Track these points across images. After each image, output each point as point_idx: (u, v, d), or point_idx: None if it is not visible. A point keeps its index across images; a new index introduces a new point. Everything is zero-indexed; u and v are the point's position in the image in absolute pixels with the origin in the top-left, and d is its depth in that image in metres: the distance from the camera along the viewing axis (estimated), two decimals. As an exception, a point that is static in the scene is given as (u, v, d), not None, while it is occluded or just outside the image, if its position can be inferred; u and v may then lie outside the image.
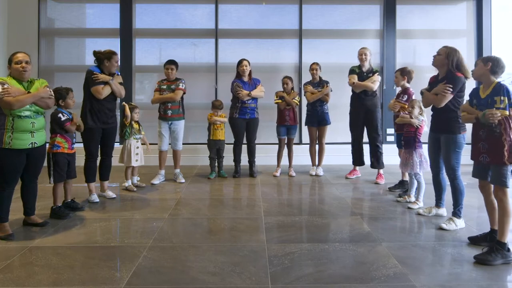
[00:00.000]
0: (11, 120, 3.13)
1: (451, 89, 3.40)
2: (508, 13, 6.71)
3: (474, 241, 3.11)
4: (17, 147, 3.16)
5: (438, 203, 3.79)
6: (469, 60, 6.75)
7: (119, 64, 4.32)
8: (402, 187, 4.69)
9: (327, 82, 5.65)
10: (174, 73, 5.25)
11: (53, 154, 3.71)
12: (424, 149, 4.05)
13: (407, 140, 4.11)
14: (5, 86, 3.07)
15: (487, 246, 2.92)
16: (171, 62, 5.27)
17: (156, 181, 5.23)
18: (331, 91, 5.64)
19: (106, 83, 4.20)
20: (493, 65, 2.91)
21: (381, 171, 5.32)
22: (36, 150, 3.30)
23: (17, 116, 3.14)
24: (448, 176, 3.53)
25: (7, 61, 3.28)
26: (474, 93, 3.05)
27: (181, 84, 5.20)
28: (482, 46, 6.64)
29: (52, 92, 3.43)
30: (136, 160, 4.80)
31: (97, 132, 4.22)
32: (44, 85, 3.34)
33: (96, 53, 4.27)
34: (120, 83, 4.36)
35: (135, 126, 4.80)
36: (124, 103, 4.78)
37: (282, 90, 5.71)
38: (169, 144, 5.32)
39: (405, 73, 4.64)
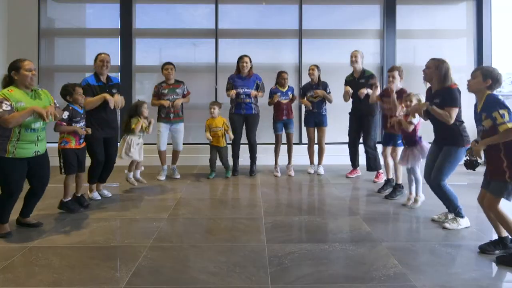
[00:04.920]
0: (17, 133, 3.12)
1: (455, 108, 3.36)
2: (508, 13, 6.71)
3: (485, 250, 2.95)
4: (21, 156, 3.17)
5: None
6: (469, 60, 6.81)
7: (109, 63, 4.28)
8: (389, 185, 4.66)
9: (326, 87, 5.65)
10: (173, 73, 5.33)
11: (62, 150, 3.80)
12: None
13: (408, 139, 4.07)
14: (4, 108, 3.00)
15: (503, 253, 2.88)
16: (170, 63, 5.35)
17: (162, 177, 5.36)
18: (329, 92, 5.67)
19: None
20: (492, 83, 2.83)
21: (381, 170, 5.32)
22: (39, 157, 3.32)
23: (24, 129, 3.13)
24: (433, 183, 3.47)
25: (10, 68, 3.17)
26: (475, 108, 2.99)
27: (186, 88, 5.44)
28: (482, 46, 6.64)
29: (58, 106, 3.45)
30: (140, 155, 4.70)
31: (100, 141, 4.26)
32: (52, 102, 3.38)
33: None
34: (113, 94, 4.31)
35: (143, 124, 4.69)
36: (143, 121, 4.67)
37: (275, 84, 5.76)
38: (168, 144, 5.36)
39: (402, 73, 4.58)
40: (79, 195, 4.05)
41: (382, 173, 5.31)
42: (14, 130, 3.11)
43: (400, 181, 4.51)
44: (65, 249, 2.99)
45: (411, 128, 3.98)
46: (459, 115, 3.43)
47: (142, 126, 4.64)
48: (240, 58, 5.58)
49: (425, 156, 3.96)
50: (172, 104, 5.23)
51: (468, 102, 3.79)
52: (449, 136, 3.44)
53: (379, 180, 5.23)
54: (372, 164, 5.32)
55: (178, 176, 5.46)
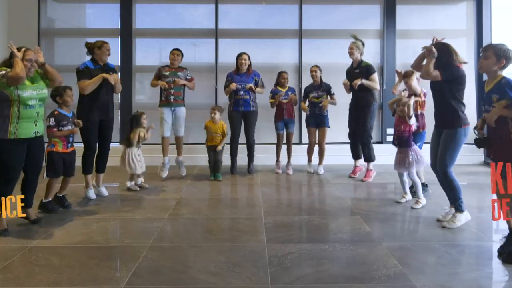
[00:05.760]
0: (16, 110, 3.18)
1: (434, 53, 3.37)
2: (508, 13, 6.71)
3: (503, 252, 2.80)
4: (23, 137, 3.22)
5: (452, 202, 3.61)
6: (469, 60, 6.77)
7: (110, 53, 4.34)
8: (425, 187, 4.46)
9: (329, 89, 5.66)
10: (179, 59, 5.35)
11: (48, 152, 3.81)
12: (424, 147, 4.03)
13: (400, 139, 4.06)
14: (8, 70, 3.11)
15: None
16: (178, 49, 5.38)
17: (164, 173, 5.29)
18: (333, 94, 5.68)
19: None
20: (506, 63, 2.79)
21: (371, 167, 5.29)
22: (38, 139, 3.38)
23: (23, 106, 3.19)
24: (439, 171, 3.43)
25: (11, 55, 3.20)
26: (483, 87, 2.94)
27: (190, 74, 5.42)
28: (482, 46, 6.61)
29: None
30: (141, 167, 4.74)
31: (95, 124, 4.24)
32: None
33: (87, 44, 4.36)
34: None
35: (142, 135, 4.71)
36: (140, 130, 4.70)
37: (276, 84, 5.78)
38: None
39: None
40: (60, 195, 4.02)
41: (371, 170, 5.29)
42: (12, 108, 3.17)
43: (423, 180, 4.43)
44: (65, 249, 2.98)
45: (405, 109, 3.95)
46: (461, 96, 3.42)
47: (139, 135, 4.66)
48: (239, 56, 5.59)
49: (420, 161, 3.98)
50: (174, 82, 5.19)
51: (468, 84, 3.70)
52: (448, 117, 3.41)
53: (368, 179, 5.23)
54: (365, 155, 5.32)
55: (184, 173, 5.42)
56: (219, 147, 5.30)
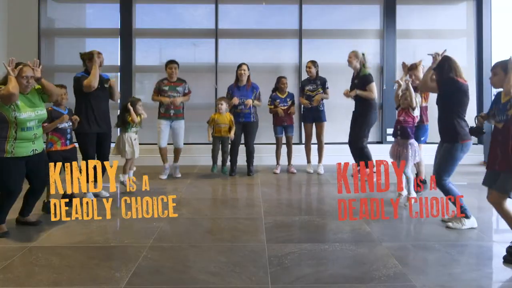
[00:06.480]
0: (13, 132, 3.14)
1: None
2: (508, 13, 6.71)
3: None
4: (19, 155, 3.18)
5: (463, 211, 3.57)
6: (469, 61, 6.80)
7: (103, 62, 4.31)
8: (424, 184, 4.43)
9: (324, 82, 5.68)
10: (177, 72, 5.36)
11: (47, 153, 3.77)
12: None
13: (403, 129, 4.04)
14: (1, 87, 3.07)
15: None
16: (174, 62, 5.36)
17: (163, 176, 5.34)
18: (327, 88, 5.70)
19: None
20: None
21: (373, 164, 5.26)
22: (37, 156, 3.33)
23: (20, 129, 3.16)
24: (435, 177, 3.39)
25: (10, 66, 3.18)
26: (496, 99, 3.01)
27: (188, 87, 5.45)
28: (482, 46, 6.63)
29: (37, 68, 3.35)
30: (135, 152, 4.67)
31: (93, 137, 4.24)
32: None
33: (81, 55, 4.35)
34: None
35: (138, 119, 4.66)
36: (129, 105, 4.65)
37: (275, 90, 5.78)
38: (169, 144, 5.36)
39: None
40: (69, 193, 4.01)
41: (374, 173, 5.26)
42: (10, 130, 3.13)
43: (423, 176, 4.42)
44: (65, 249, 2.99)
45: (414, 101, 3.97)
46: (460, 111, 3.43)
47: (137, 122, 4.62)
48: (239, 66, 5.59)
49: (417, 154, 4.00)
50: (172, 102, 5.22)
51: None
52: (446, 131, 3.46)
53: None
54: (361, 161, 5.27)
55: (179, 175, 5.46)
56: (232, 134, 5.34)
